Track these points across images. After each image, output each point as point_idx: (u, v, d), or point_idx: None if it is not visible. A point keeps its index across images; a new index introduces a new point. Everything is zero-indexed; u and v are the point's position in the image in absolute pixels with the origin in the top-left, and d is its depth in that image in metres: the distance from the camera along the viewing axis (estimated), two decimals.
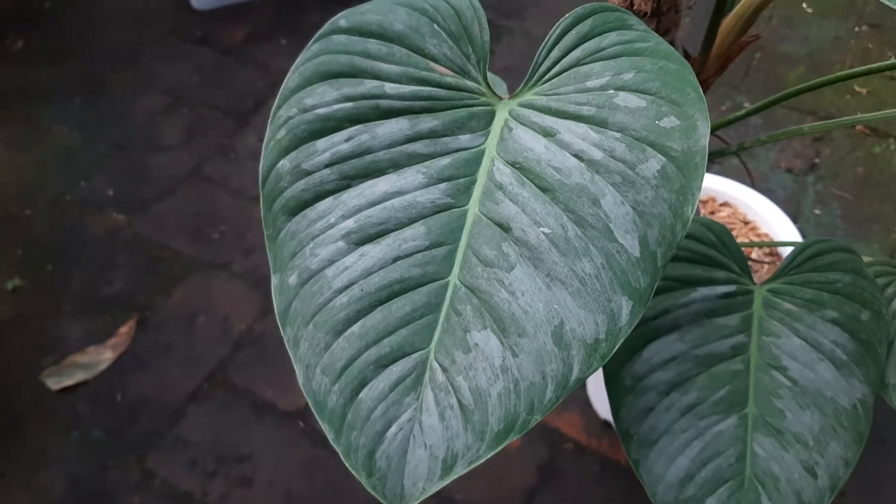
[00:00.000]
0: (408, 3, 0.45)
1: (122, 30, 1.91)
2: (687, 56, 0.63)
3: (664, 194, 0.41)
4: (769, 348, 0.54)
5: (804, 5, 1.78)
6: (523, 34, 1.79)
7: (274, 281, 0.43)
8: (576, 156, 0.42)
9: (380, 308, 0.42)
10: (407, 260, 0.42)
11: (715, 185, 1.01)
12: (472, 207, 0.43)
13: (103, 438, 1.23)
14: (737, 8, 0.62)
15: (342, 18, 0.45)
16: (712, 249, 0.56)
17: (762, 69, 1.62)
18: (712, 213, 1.03)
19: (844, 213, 1.39)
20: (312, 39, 0.45)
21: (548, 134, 0.43)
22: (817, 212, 1.41)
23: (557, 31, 0.44)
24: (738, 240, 1.01)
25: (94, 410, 1.26)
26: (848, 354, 0.53)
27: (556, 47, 0.44)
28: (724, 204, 1.03)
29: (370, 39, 0.44)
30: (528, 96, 0.45)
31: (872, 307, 0.55)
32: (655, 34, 0.44)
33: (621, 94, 0.42)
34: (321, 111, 0.44)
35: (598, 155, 0.42)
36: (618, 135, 0.42)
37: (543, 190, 0.42)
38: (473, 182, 0.44)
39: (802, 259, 0.56)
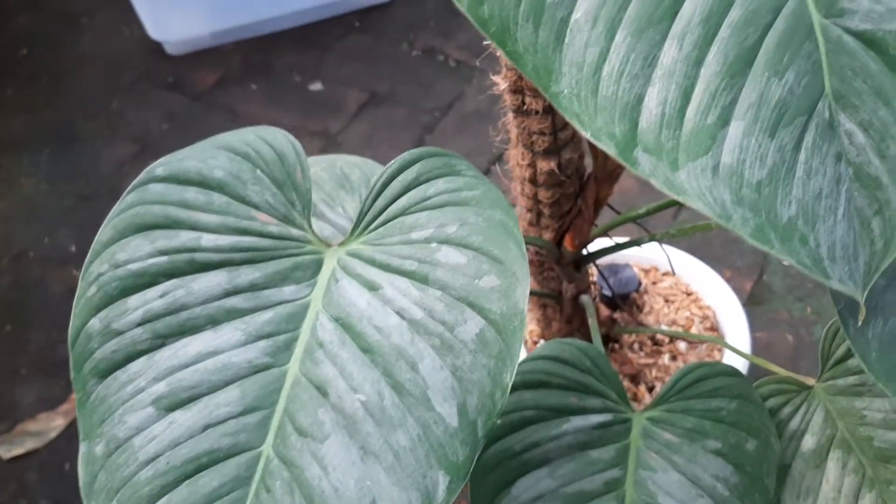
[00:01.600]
0: (229, 147, 0.43)
1: (95, 76, 1.90)
2: (581, 176, 0.61)
3: (483, 359, 0.39)
4: (645, 484, 0.52)
5: None
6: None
7: (82, 450, 0.42)
8: (398, 313, 0.41)
9: (186, 483, 0.40)
10: (218, 428, 0.41)
11: (658, 254, 0.98)
12: (293, 367, 0.41)
13: None
14: None
15: (159, 166, 0.43)
16: (588, 375, 0.54)
17: None
18: (654, 282, 1.00)
19: None
20: (128, 189, 0.43)
21: (372, 288, 0.42)
22: (786, 263, 1.37)
23: (384, 178, 0.43)
24: (679, 312, 0.98)
25: (42, 479, 1.25)
26: (731, 489, 0.51)
27: (382, 196, 0.43)
28: (667, 274, 1.00)
29: (189, 187, 0.43)
30: (356, 245, 0.43)
31: (760, 435, 0.52)
32: (485, 180, 0.42)
33: (444, 248, 0.41)
34: (133, 266, 0.42)
35: (418, 314, 0.40)
36: (438, 293, 0.40)
37: (364, 351, 0.41)
38: (296, 339, 0.42)
39: (685, 384, 0.54)
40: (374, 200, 0.44)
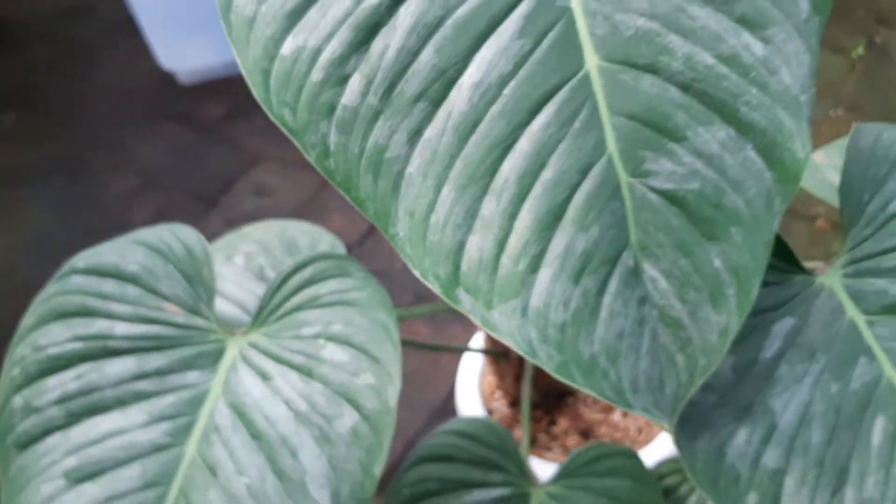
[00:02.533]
0: (146, 242, 0.48)
1: (107, 107, 1.97)
2: None
3: (356, 452, 0.43)
4: None
5: None
6: None
7: None
8: (286, 403, 0.45)
9: None
10: (121, 501, 0.45)
11: None
12: (190, 448, 0.46)
13: None
14: None
15: (80, 260, 0.48)
16: (493, 451, 0.58)
17: None
18: None
19: None
20: (52, 279, 0.48)
21: (265, 378, 0.46)
22: None
23: (282, 276, 0.47)
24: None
25: None
26: None
27: (278, 293, 0.47)
28: None
29: (106, 279, 0.48)
30: (255, 336, 0.48)
31: None
32: (373, 281, 0.46)
33: (329, 345, 0.45)
34: (52, 350, 0.47)
35: (303, 406, 0.45)
36: (321, 387, 0.45)
37: (253, 437, 0.45)
38: (195, 422, 0.46)
39: (583, 461, 0.57)
40: (273, 295, 0.48)
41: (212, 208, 1.69)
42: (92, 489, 0.46)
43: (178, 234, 0.49)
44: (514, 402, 0.92)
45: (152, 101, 1.96)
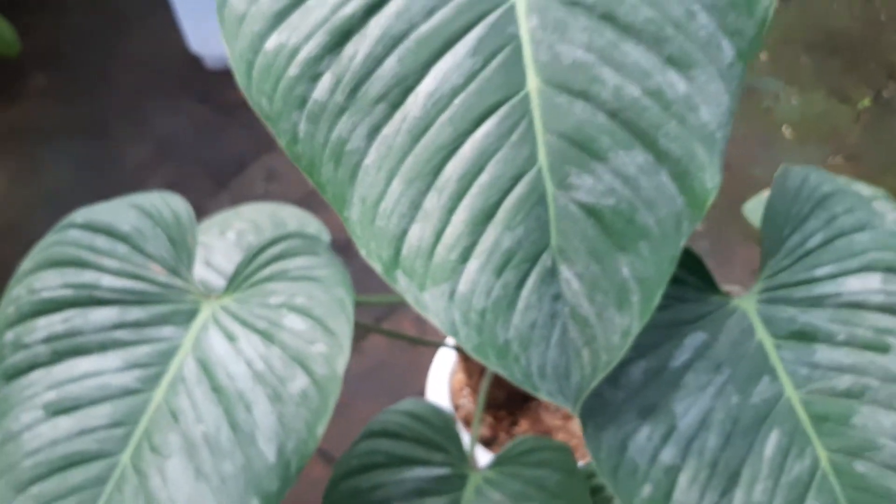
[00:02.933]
0: (139, 206, 0.53)
1: (134, 78, 2.04)
2: None
3: (303, 412, 0.48)
4: None
5: (784, 128, 1.82)
6: None
7: None
8: (247, 363, 0.50)
9: (57, 475, 0.50)
10: (90, 434, 0.50)
11: None
12: (158, 395, 0.51)
13: None
14: None
15: (79, 216, 0.53)
16: (438, 434, 0.62)
17: (723, 189, 1.65)
18: None
19: None
20: (52, 229, 0.53)
21: (231, 338, 0.51)
22: None
23: (256, 249, 0.52)
24: None
25: None
26: None
27: (252, 263, 0.52)
28: None
29: (99, 235, 0.53)
30: (227, 300, 0.53)
31: None
32: (337, 261, 0.51)
33: (290, 315, 0.50)
34: (45, 294, 0.52)
35: (261, 366, 0.50)
36: (279, 351, 0.49)
37: (214, 390, 0.50)
38: (164, 372, 0.52)
39: (518, 452, 0.62)
40: (247, 265, 0.53)
41: (222, 188, 1.74)
42: (66, 422, 0.51)
43: (168, 202, 0.54)
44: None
45: (177, 79, 2.02)
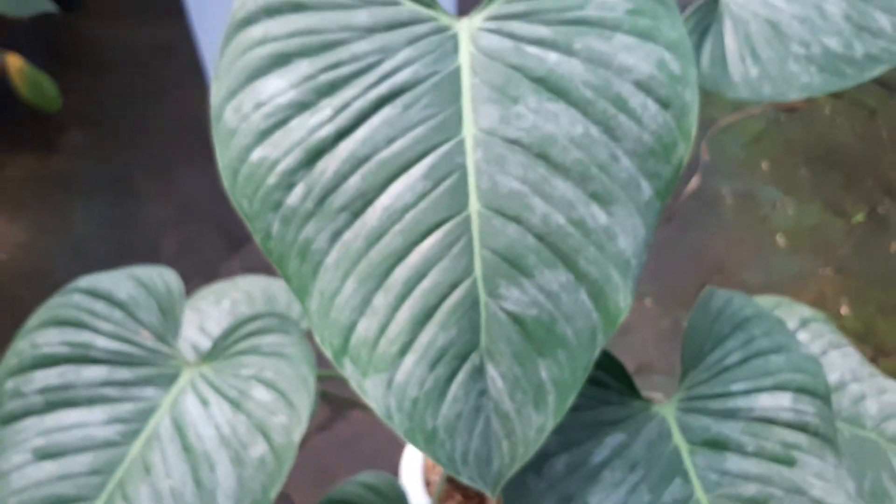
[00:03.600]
0: (136, 276, 0.60)
1: (165, 139, 2.14)
2: None
3: (260, 475, 0.54)
4: None
5: (778, 237, 1.87)
6: None
7: None
8: (215, 427, 0.56)
9: None
10: (70, 480, 0.56)
11: None
12: (134, 449, 0.57)
13: None
14: None
15: (83, 281, 0.60)
16: None
17: None
18: None
19: None
20: (58, 292, 0.60)
21: (205, 403, 0.57)
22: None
23: (236, 324, 0.58)
24: None
25: None
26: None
27: (230, 336, 0.58)
28: None
29: (99, 300, 0.59)
30: (205, 368, 0.59)
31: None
32: (306, 342, 0.57)
33: (259, 386, 0.56)
34: (45, 349, 0.58)
35: (227, 431, 0.55)
36: (245, 419, 0.55)
37: (185, 448, 0.56)
38: (142, 428, 0.57)
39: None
40: (226, 337, 0.59)
41: (235, 251, 1.82)
42: (51, 466, 0.57)
43: (163, 276, 0.61)
44: (451, 478, 1.00)
45: (205, 143, 2.11)
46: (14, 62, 2.18)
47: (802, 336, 0.72)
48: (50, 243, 1.86)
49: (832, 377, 0.69)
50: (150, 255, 1.83)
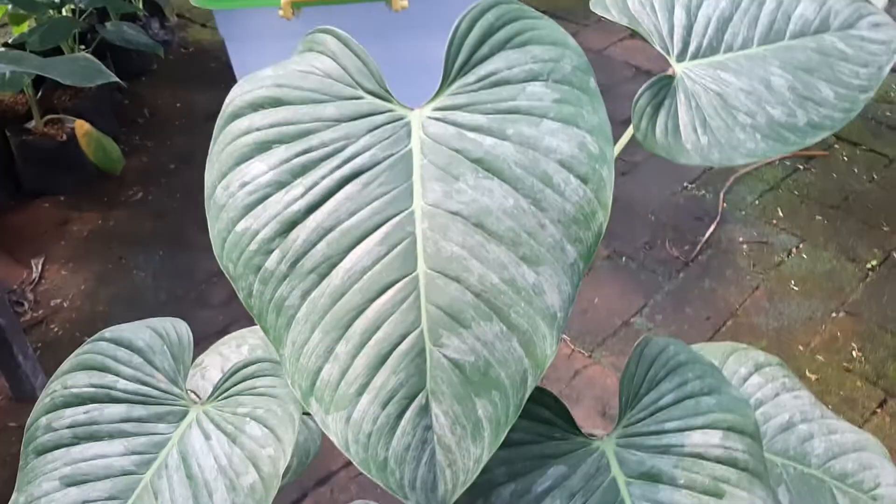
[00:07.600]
0: (153, 327, 0.68)
1: None
2: None
3: (249, 501, 0.60)
4: None
5: (792, 283, 1.89)
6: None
7: (13, 497, 0.65)
8: (214, 458, 0.64)
9: None
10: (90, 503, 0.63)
11: None
12: (147, 477, 0.64)
13: None
14: None
15: (108, 331, 0.68)
16: None
17: (726, 337, 1.73)
18: None
19: None
20: (87, 340, 0.68)
21: (207, 437, 0.65)
22: None
23: (235, 368, 0.65)
24: None
25: None
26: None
27: (230, 379, 0.65)
28: None
29: (121, 348, 0.68)
30: (208, 406, 0.66)
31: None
32: None
33: (252, 423, 0.63)
34: (74, 390, 0.67)
35: (224, 462, 0.63)
36: (239, 451, 0.63)
37: (188, 477, 0.63)
38: (154, 459, 0.65)
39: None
40: (227, 380, 0.67)
41: None
42: (75, 492, 0.65)
43: (176, 327, 0.69)
44: None
45: None
46: (82, 127, 2.34)
47: (756, 380, 0.76)
48: (108, 292, 1.98)
49: (782, 418, 0.74)
50: (199, 303, 1.94)
